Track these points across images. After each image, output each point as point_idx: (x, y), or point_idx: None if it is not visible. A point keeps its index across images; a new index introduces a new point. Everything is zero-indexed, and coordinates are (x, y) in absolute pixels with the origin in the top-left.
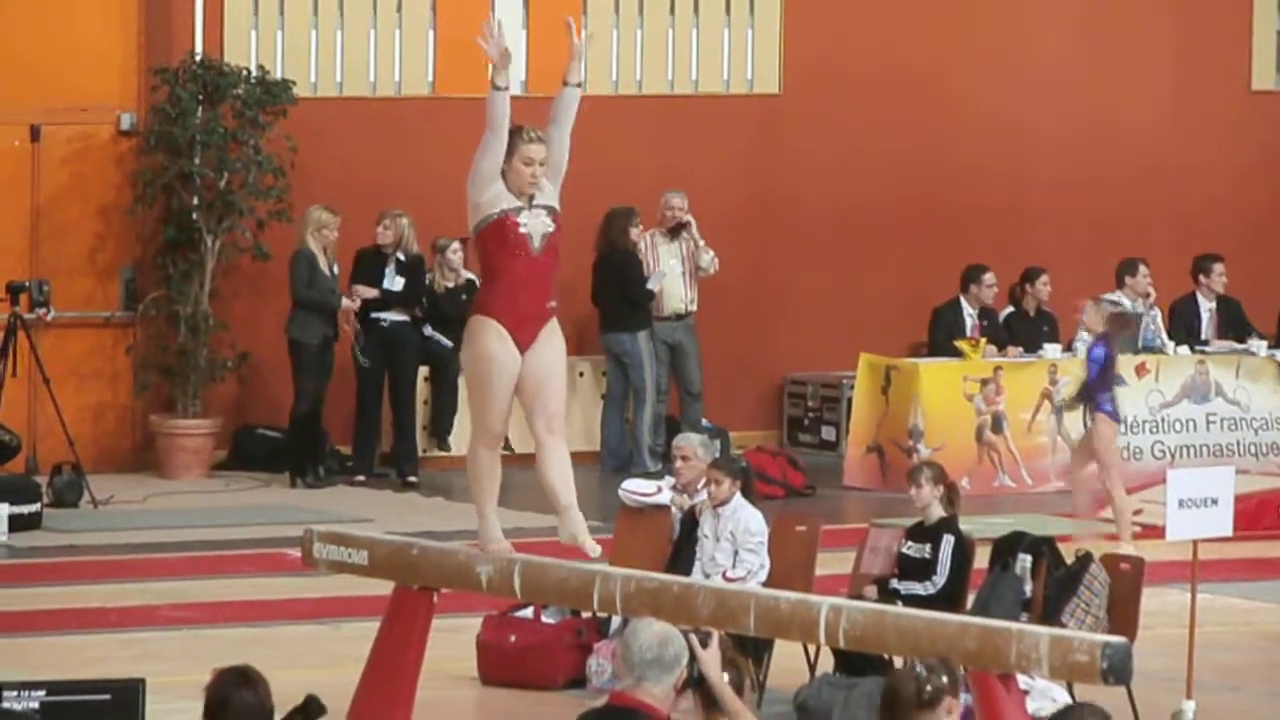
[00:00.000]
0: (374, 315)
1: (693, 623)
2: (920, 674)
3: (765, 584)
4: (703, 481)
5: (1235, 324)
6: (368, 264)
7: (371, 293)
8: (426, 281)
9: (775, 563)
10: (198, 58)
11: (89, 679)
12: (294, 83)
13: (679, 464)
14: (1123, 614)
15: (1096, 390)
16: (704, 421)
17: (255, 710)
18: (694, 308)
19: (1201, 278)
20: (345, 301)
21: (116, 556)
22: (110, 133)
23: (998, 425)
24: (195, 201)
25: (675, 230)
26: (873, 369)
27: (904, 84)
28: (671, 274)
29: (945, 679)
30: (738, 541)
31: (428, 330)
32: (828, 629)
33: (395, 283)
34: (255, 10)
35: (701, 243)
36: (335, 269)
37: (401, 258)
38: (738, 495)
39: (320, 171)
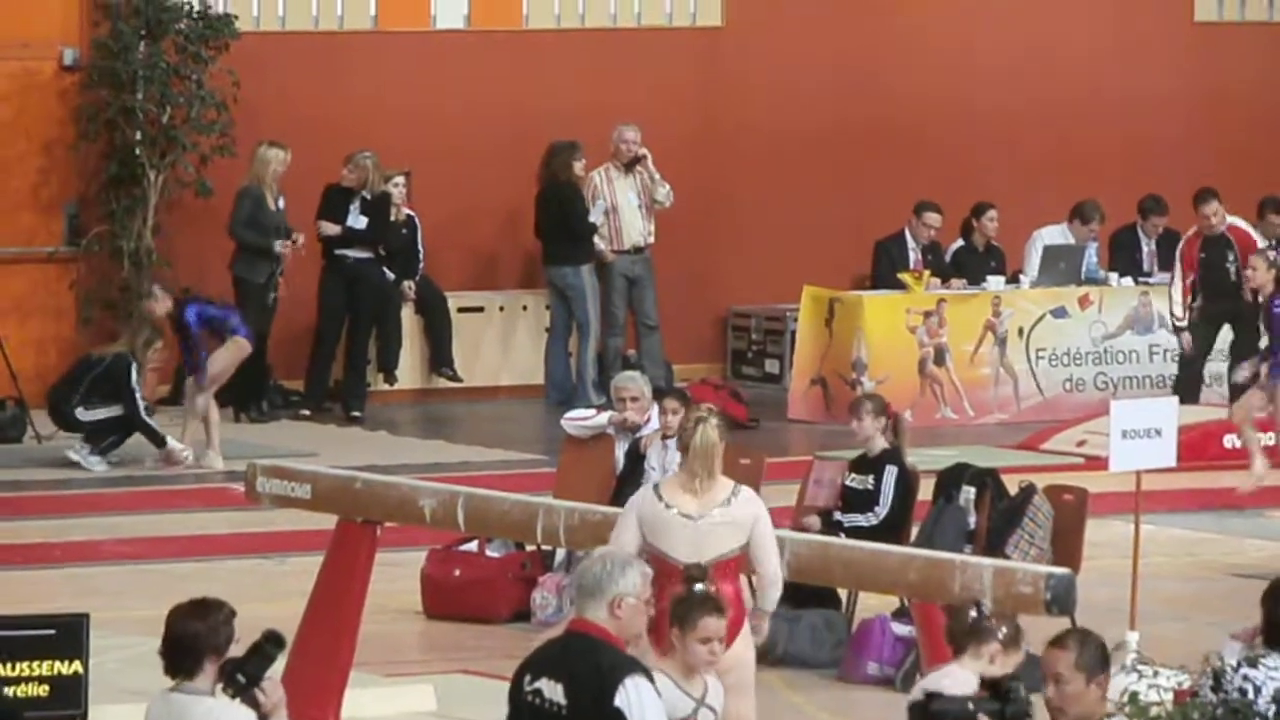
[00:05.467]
0: (337, 252)
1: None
2: (981, 607)
3: None
4: (648, 416)
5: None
6: (334, 200)
7: (334, 229)
8: (391, 219)
9: None
10: None
11: (33, 614)
12: (236, 17)
13: (627, 405)
14: (1066, 545)
15: None
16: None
17: (200, 640)
18: (651, 240)
19: (1141, 220)
20: (279, 246)
21: (60, 492)
22: (53, 68)
23: (940, 358)
24: (138, 137)
25: (631, 164)
26: (816, 301)
27: (847, 16)
28: (629, 207)
29: (999, 626)
30: None
31: None
32: None
33: (359, 221)
34: None
35: (657, 176)
36: (281, 203)
37: (366, 196)
38: None
39: (263, 106)
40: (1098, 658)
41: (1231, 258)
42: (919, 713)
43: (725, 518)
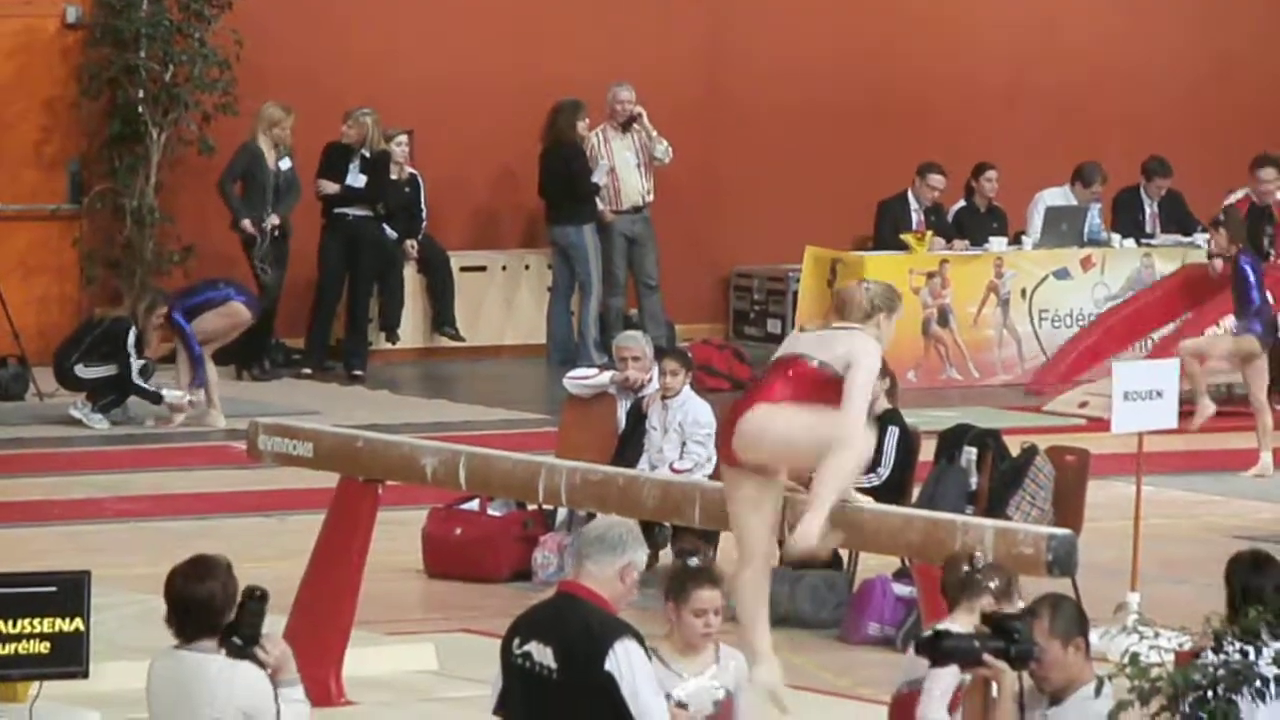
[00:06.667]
0: (337, 210)
1: (638, 515)
2: (975, 560)
3: (711, 477)
4: (649, 375)
5: (1178, 217)
6: (334, 159)
7: (333, 187)
8: (392, 178)
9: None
10: None
11: (34, 571)
12: None
13: (629, 365)
14: (1068, 507)
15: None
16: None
17: (216, 600)
18: (650, 199)
19: (1144, 181)
20: (246, 224)
21: (61, 449)
22: (56, 26)
23: (944, 318)
24: (141, 95)
25: (627, 124)
26: (818, 262)
27: None
28: (627, 167)
29: (991, 577)
30: (686, 433)
31: None
32: None
33: (358, 179)
34: None
35: (654, 133)
36: (284, 164)
37: (366, 154)
38: (687, 387)
39: (266, 65)
40: (1072, 621)
41: (1270, 231)
42: (928, 648)
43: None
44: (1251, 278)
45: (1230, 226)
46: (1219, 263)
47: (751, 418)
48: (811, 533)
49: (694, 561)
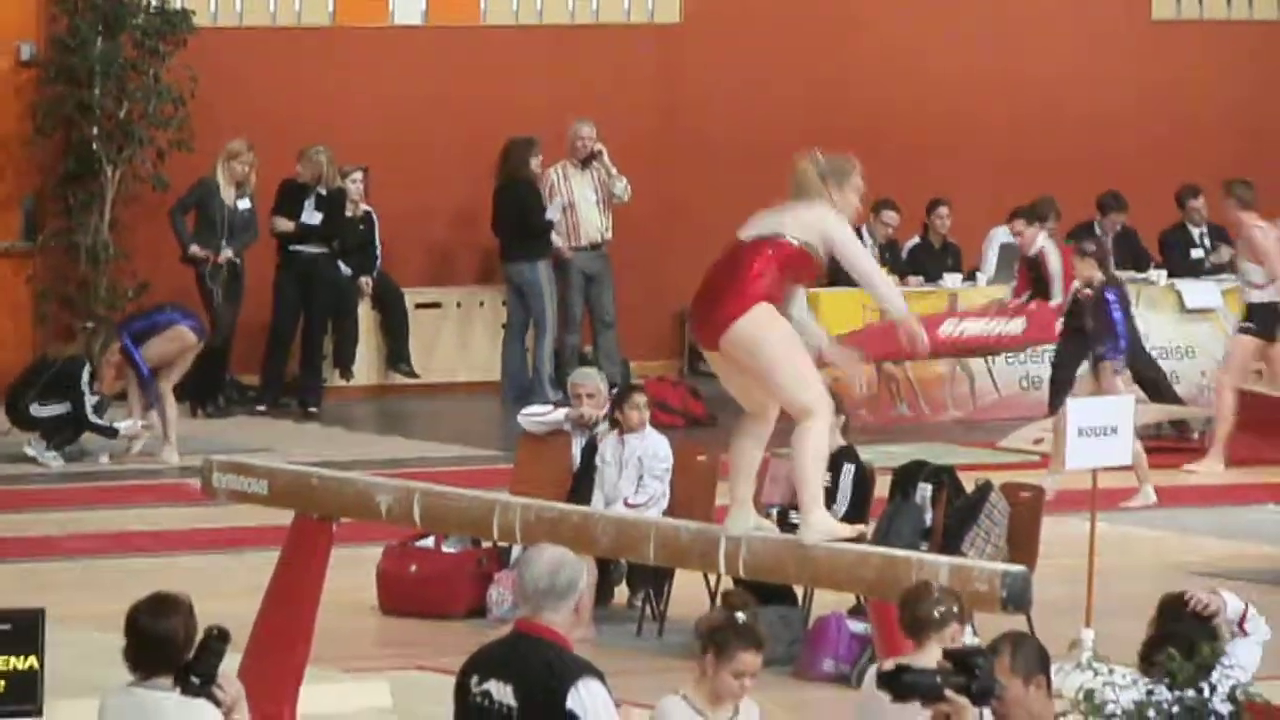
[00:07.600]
0: (292, 248)
1: (593, 552)
2: (932, 588)
3: (665, 514)
4: (605, 410)
5: (1133, 252)
6: (289, 196)
7: (288, 225)
8: (347, 215)
9: (676, 493)
10: None
11: None
12: (193, 12)
13: (584, 402)
14: (1022, 543)
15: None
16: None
17: (178, 637)
18: (609, 236)
19: (1099, 216)
20: (194, 249)
21: (15, 487)
22: (9, 63)
23: None
24: (95, 132)
25: (587, 160)
26: None
27: (805, 15)
28: (586, 203)
29: (955, 607)
30: (645, 467)
31: None
32: (727, 558)
33: (313, 216)
34: None
35: (614, 171)
36: (243, 203)
37: (322, 192)
38: (647, 422)
39: (221, 101)
40: (1033, 659)
41: None
42: (888, 683)
43: None
44: (1118, 311)
45: (1099, 255)
46: (1087, 291)
47: (754, 321)
48: (822, 523)
49: (742, 617)
